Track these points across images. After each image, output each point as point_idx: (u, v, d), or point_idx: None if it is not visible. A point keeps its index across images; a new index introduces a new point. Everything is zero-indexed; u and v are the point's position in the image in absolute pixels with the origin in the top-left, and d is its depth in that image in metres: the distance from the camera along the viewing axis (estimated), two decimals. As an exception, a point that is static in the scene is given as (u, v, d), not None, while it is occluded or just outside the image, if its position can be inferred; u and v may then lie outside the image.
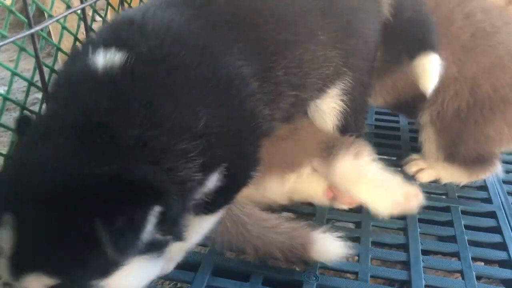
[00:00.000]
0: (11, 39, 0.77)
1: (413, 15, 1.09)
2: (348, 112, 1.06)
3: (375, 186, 1.02)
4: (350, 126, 1.09)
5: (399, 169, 1.28)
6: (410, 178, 1.25)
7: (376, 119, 1.58)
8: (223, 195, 0.81)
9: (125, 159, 0.63)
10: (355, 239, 1.01)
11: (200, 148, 0.69)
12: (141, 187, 0.61)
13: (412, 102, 1.22)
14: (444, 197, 1.22)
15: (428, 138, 1.21)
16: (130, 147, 0.63)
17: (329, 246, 0.91)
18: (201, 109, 0.70)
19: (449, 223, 1.10)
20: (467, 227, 1.09)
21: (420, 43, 1.06)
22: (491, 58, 1.13)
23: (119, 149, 0.63)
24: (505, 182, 1.28)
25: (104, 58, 0.68)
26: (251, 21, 0.83)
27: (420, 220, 1.09)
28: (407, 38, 1.10)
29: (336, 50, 0.96)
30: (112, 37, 0.74)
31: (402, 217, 1.08)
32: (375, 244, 1.04)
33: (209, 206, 0.79)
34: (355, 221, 1.11)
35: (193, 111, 0.69)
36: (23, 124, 0.71)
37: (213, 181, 0.75)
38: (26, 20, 0.82)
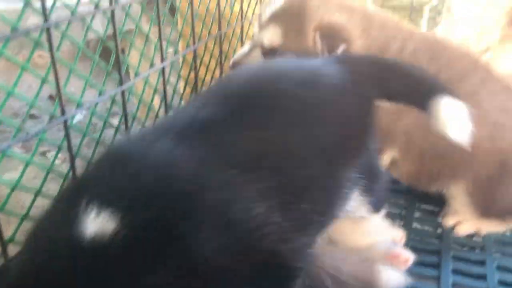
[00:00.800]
0: (105, 97, 0.97)
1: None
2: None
3: (365, 236, 1.09)
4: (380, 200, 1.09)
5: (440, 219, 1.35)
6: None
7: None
8: None
9: None
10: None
11: None
12: None
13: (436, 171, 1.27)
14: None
15: (460, 200, 1.28)
16: None
17: (392, 276, 0.97)
18: None
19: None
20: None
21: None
22: None
23: None
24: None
25: (94, 222, 0.56)
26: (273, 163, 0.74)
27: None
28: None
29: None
30: (104, 191, 0.61)
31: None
32: None
33: None
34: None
35: None
36: None
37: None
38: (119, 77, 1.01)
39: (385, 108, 1.11)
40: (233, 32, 1.48)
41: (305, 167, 0.78)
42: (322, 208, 0.84)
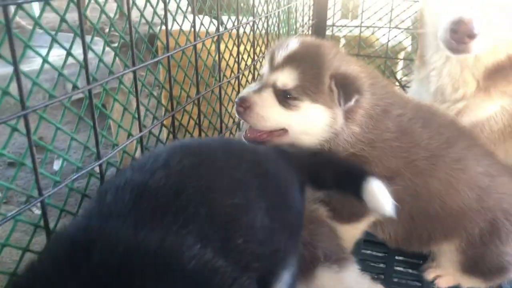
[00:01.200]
0: (83, 171, 0.98)
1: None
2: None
3: None
4: None
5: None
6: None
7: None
8: None
9: None
10: None
11: None
12: None
13: (427, 234, 1.30)
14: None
15: (449, 257, 1.31)
16: None
17: None
18: None
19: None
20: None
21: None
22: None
23: None
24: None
25: None
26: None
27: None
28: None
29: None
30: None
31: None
32: None
33: None
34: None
35: None
36: None
37: None
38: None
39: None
40: (211, 93, 1.52)
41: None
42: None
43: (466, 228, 1.23)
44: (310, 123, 1.18)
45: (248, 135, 1.22)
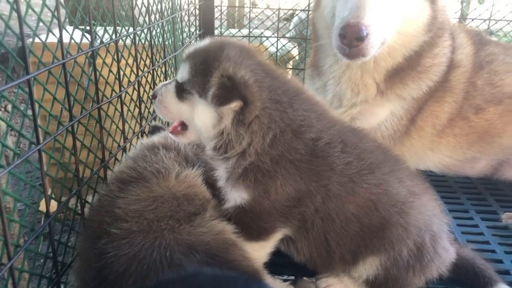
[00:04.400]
0: None
1: None
2: None
3: None
4: None
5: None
6: None
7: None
8: None
9: None
10: None
11: None
12: None
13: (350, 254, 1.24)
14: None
15: (363, 267, 1.24)
16: None
17: None
18: None
19: None
20: None
21: None
22: None
23: None
24: None
25: None
26: None
27: None
28: None
29: None
30: None
31: None
32: None
33: None
34: None
35: None
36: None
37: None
38: None
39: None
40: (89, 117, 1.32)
41: None
42: None
43: (393, 245, 1.21)
44: (198, 118, 1.17)
45: (171, 129, 1.27)
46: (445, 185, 1.87)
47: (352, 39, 1.52)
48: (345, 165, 1.15)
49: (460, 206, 1.70)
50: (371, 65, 1.78)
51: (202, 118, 1.16)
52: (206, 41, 1.22)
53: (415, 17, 1.70)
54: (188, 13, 2.35)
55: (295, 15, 4.51)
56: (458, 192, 1.81)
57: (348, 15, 1.54)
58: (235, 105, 1.11)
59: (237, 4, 3.50)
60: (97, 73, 1.31)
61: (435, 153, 1.94)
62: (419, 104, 1.88)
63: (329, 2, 1.76)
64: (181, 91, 1.19)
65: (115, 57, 1.43)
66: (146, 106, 1.79)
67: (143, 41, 1.66)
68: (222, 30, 2.77)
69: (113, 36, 1.39)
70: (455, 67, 1.91)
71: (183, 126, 1.24)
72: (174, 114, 1.23)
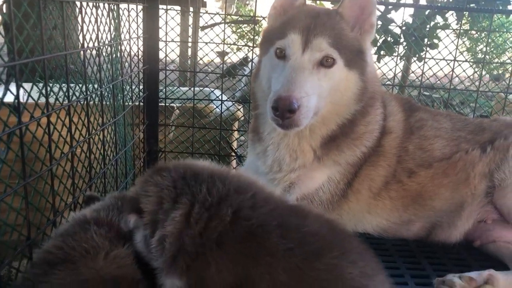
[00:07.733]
0: None
1: None
2: None
3: None
4: None
5: None
6: None
7: None
8: None
9: None
10: None
11: None
12: None
13: None
14: None
15: None
16: None
17: None
18: None
19: None
20: None
21: None
22: None
23: None
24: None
25: None
26: None
27: None
28: None
29: None
30: None
31: None
32: None
33: None
34: None
35: None
36: None
37: None
38: None
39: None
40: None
41: None
42: None
43: None
44: None
45: None
46: (383, 248, 1.90)
47: (284, 111, 1.58)
48: (287, 250, 1.07)
49: (397, 270, 1.73)
50: (307, 133, 1.85)
51: None
52: None
53: (345, 89, 1.80)
54: (132, 77, 2.36)
55: (249, 60, 4.60)
56: (395, 255, 1.84)
57: (280, 88, 1.61)
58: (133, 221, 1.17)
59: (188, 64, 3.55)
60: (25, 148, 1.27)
61: (372, 215, 1.99)
62: (355, 169, 1.94)
63: (266, 74, 1.84)
64: None
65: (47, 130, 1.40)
66: (80, 176, 1.75)
67: (78, 111, 1.64)
68: (167, 92, 2.79)
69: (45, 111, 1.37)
70: (387, 133, 2.00)
71: None
72: None
